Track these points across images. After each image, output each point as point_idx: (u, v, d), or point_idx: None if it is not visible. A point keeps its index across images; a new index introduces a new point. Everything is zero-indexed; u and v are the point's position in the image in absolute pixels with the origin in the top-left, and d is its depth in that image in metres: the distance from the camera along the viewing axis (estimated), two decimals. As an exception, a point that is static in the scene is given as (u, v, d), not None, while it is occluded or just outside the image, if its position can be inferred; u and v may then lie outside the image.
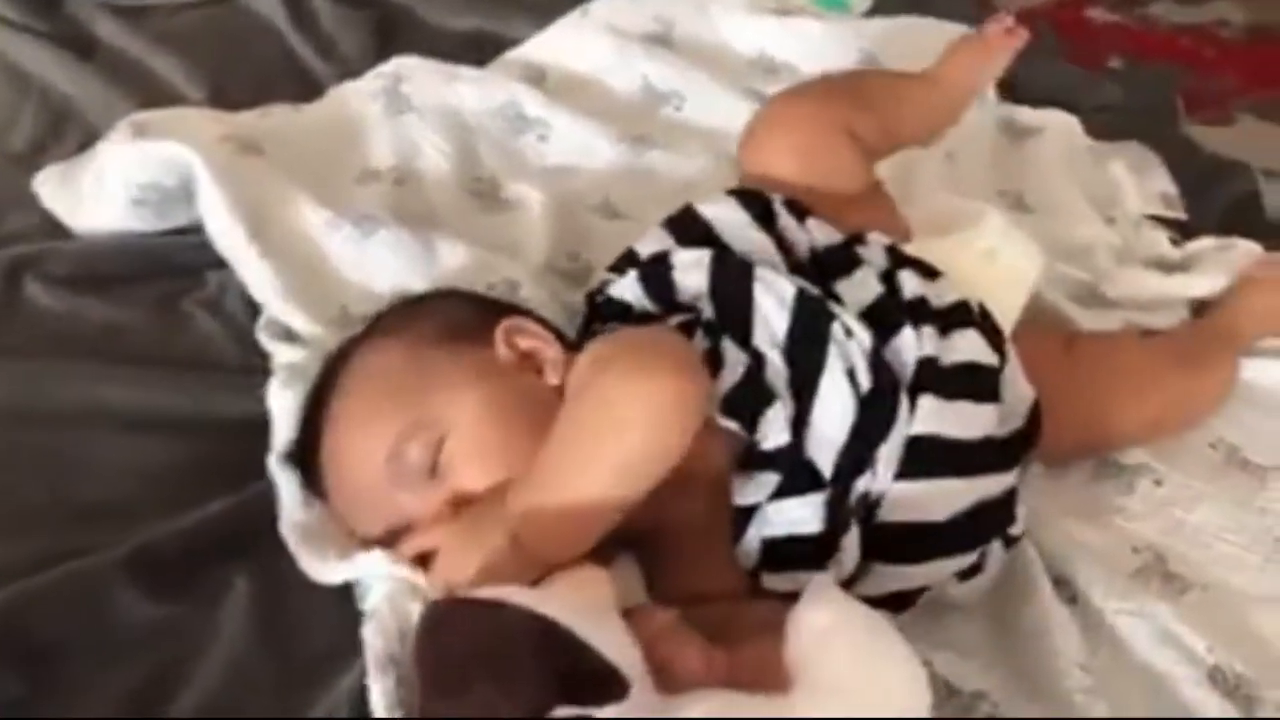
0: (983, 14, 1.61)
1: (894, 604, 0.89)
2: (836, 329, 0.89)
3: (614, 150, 1.32)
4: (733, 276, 0.92)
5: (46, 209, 1.17)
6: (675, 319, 0.93)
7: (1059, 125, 1.41)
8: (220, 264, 1.13)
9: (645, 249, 0.99)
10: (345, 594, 0.88)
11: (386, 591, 0.85)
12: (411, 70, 1.34)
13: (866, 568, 0.89)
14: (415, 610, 0.82)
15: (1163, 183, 1.37)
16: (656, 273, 0.95)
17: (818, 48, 1.44)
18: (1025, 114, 1.43)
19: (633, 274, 0.96)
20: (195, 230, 1.15)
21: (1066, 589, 0.97)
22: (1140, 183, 1.35)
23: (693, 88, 1.40)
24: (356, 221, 1.14)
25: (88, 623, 0.84)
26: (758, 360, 0.88)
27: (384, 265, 1.11)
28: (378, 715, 0.78)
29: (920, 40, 1.43)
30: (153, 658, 0.83)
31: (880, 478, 0.88)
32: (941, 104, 1.16)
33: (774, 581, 0.87)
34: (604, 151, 1.32)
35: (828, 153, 1.05)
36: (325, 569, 0.89)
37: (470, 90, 1.34)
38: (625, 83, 1.41)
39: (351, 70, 1.39)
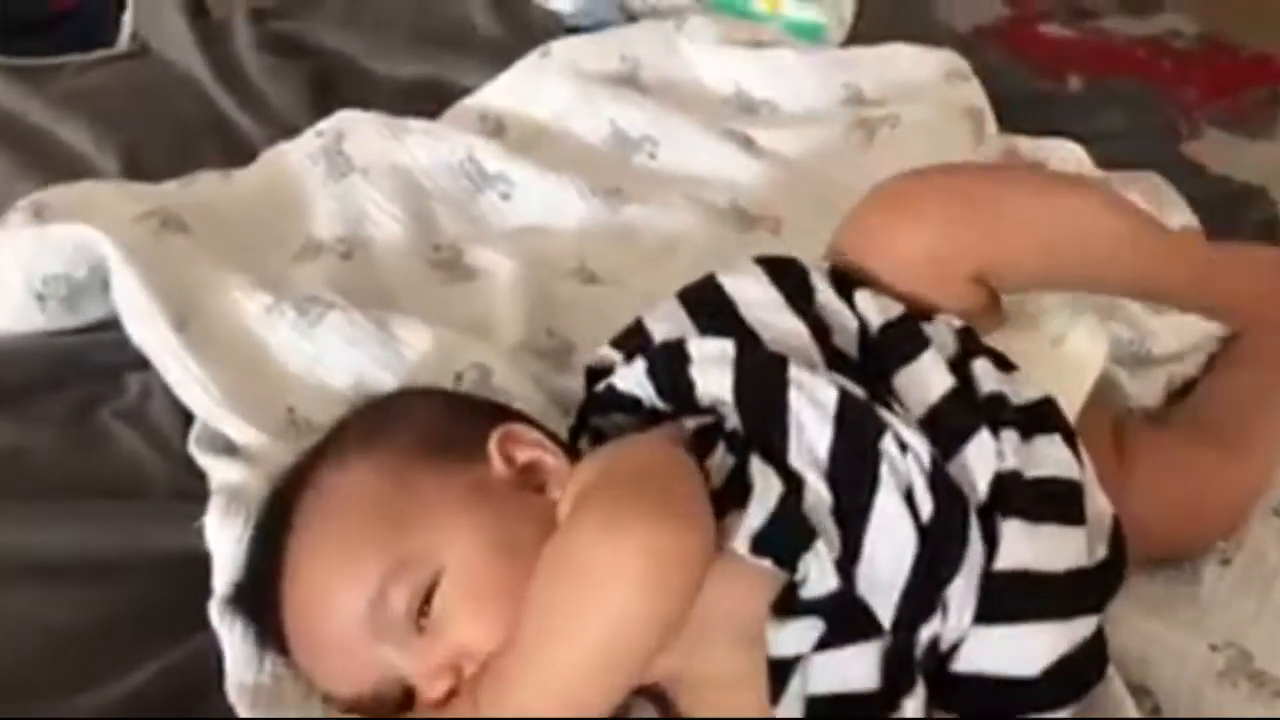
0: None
1: None
2: (889, 443, 0.73)
3: (586, 206, 1.16)
4: (763, 378, 0.75)
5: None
6: (691, 422, 0.77)
7: (1065, 156, 1.27)
8: (142, 363, 0.96)
9: (658, 329, 0.83)
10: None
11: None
12: (354, 125, 1.17)
13: None
14: None
15: (1183, 215, 1.24)
16: (669, 365, 0.78)
17: (797, 82, 1.30)
18: (1027, 145, 1.29)
19: (640, 364, 0.79)
20: (114, 325, 0.98)
21: (1147, 700, 0.83)
22: (1159, 216, 1.22)
23: (666, 131, 1.25)
24: (301, 306, 0.97)
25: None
26: (795, 485, 0.71)
27: (336, 356, 0.94)
28: None
29: (903, 70, 1.31)
30: None
31: (953, 622, 0.72)
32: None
33: None
34: (575, 208, 1.16)
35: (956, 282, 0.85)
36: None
37: (421, 146, 1.18)
38: (592, 129, 1.26)
39: (286, 128, 1.22)
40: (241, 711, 0.74)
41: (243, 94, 1.27)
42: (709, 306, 0.83)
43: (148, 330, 0.94)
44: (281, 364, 0.95)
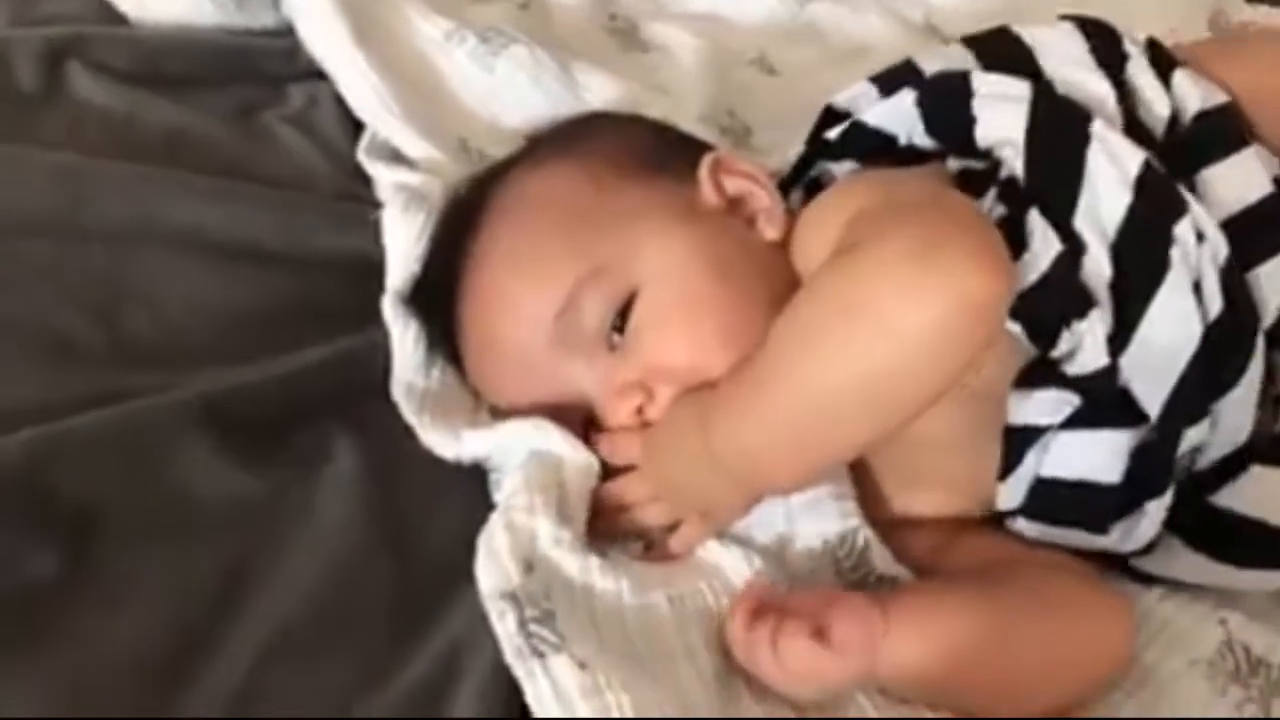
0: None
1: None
2: (1185, 229, 0.64)
3: (772, 0, 1.09)
4: (1062, 125, 0.66)
5: (97, -8, 0.93)
6: (956, 164, 0.69)
7: None
8: (308, 77, 0.90)
9: (931, 65, 0.73)
10: (477, 475, 0.66)
11: (514, 493, 0.62)
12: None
13: (1167, 546, 0.65)
14: (542, 525, 0.61)
15: None
16: (948, 97, 0.69)
17: None
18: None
19: (909, 95, 0.71)
20: (279, 34, 0.92)
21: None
22: None
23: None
24: (483, 34, 0.90)
25: (143, 486, 0.60)
26: (1075, 248, 0.63)
27: (516, 90, 0.88)
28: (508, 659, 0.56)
29: None
30: (226, 540, 0.60)
31: (1223, 438, 0.64)
32: None
33: (1033, 531, 0.64)
34: (759, 1, 1.09)
35: None
36: (454, 443, 0.66)
37: (610, -87, 1.10)
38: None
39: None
40: (406, 414, 0.68)
41: None
42: (1000, 50, 0.73)
43: (326, 37, 0.88)
44: (455, 92, 0.89)
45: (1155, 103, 0.71)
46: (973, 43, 0.76)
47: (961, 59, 0.74)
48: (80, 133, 0.81)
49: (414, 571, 0.62)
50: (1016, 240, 0.63)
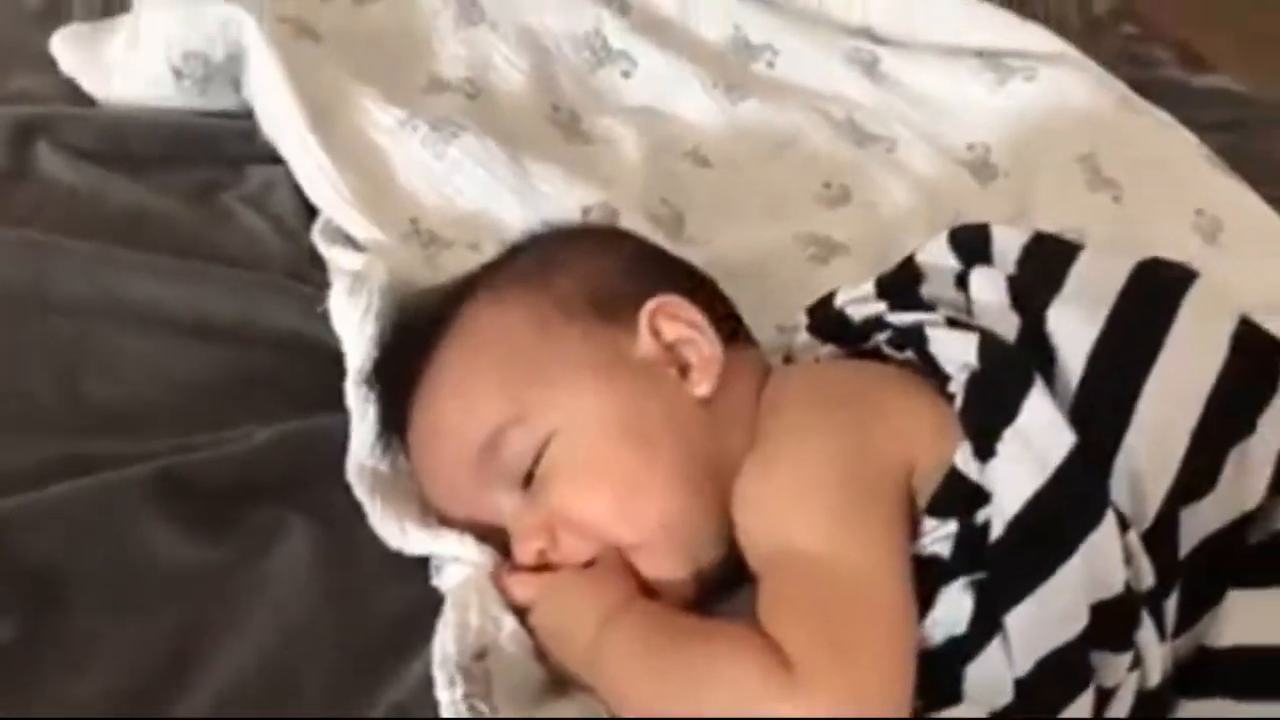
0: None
1: None
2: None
3: (706, 96, 1.14)
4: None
5: (65, 74, 0.97)
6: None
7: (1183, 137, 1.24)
8: (265, 158, 0.93)
9: (931, 258, 0.74)
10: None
11: (466, 586, 0.66)
12: (488, -23, 1.15)
13: None
14: (499, 617, 0.65)
15: None
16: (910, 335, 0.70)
17: (934, 22, 1.27)
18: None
19: (882, 308, 0.73)
20: (238, 116, 0.96)
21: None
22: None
23: (788, 45, 1.22)
24: (434, 123, 0.95)
25: (106, 554, 0.63)
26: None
27: (466, 176, 0.93)
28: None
29: (1038, 40, 1.28)
30: (185, 607, 0.63)
31: None
32: None
33: None
34: (694, 96, 1.14)
35: None
36: (400, 535, 0.69)
37: (552, 10, 1.15)
38: (715, 28, 1.23)
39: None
40: (359, 493, 0.71)
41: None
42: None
43: (284, 121, 0.92)
44: (408, 178, 0.93)
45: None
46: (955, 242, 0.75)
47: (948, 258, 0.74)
48: (46, 209, 0.84)
49: (362, 639, 0.65)
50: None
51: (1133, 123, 1.19)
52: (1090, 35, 2.44)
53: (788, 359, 0.80)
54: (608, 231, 0.85)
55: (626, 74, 1.16)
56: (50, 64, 0.98)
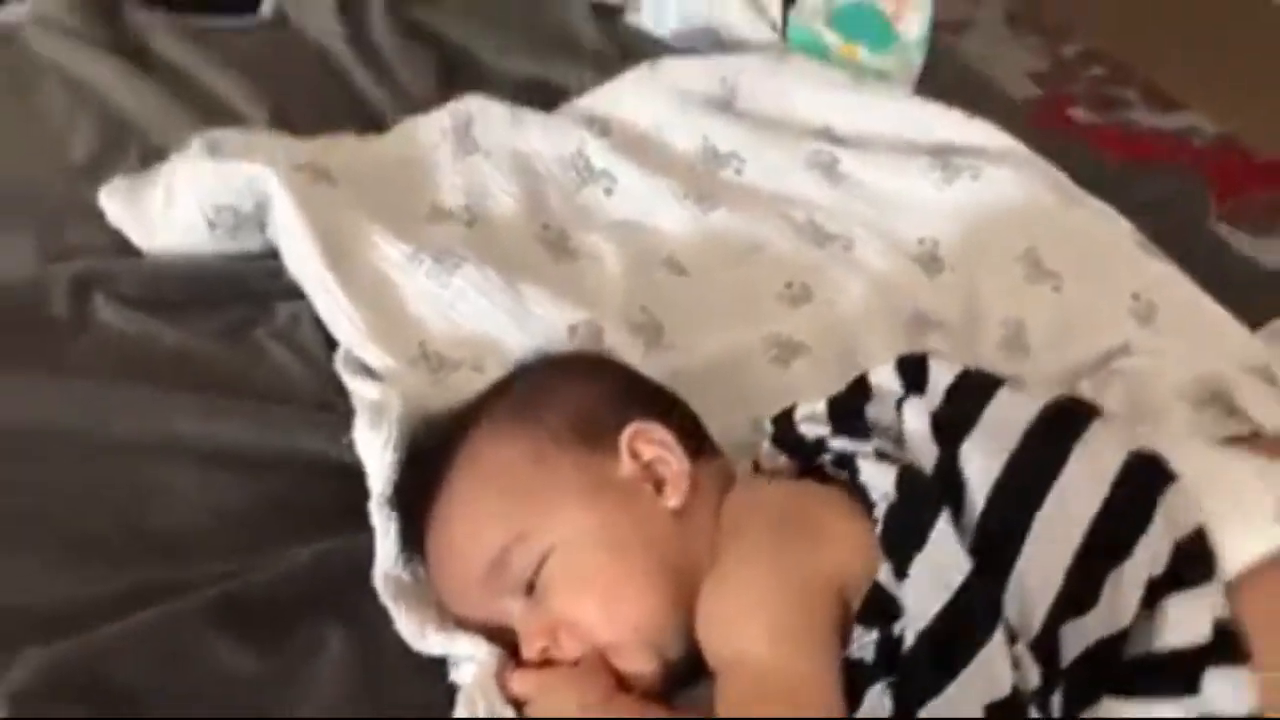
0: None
1: None
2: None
3: (680, 207, 1.26)
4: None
5: (111, 224, 1.09)
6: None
7: (1116, 225, 1.33)
8: (290, 294, 1.06)
9: (881, 380, 0.86)
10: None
11: (474, 683, 0.78)
12: (483, 110, 1.27)
13: None
14: (501, 711, 0.76)
15: None
16: (846, 461, 0.82)
17: (886, 123, 1.39)
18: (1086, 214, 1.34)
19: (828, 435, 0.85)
20: (265, 257, 1.08)
21: None
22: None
23: (753, 152, 1.34)
24: (438, 256, 1.07)
25: (178, 673, 0.75)
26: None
27: (467, 303, 1.04)
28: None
29: (983, 135, 1.40)
30: (246, 712, 0.75)
31: None
32: None
33: None
34: (669, 208, 1.26)
35: None
36: (421, 638, 0.81)
37: (539, 136, 1.28)
38: (686, 141, 1.35)
39: (413, 102, 1.33)
40: (385, 600, 0.83)
41: (377, 70, 1.37)
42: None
43: (305, 263, 1.04)
44: (416, 305, 1.05)
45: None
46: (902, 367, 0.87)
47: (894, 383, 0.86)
48: (103, 356, 0.97)
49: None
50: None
51: (1071, 215, 1.31)
52: (1059, 77, 2.56)
53: (756, 465, 0.92)
54: (590, 361, 0.97)
55: (609, 191, 1.28)
56: (99, 215, 1.10)
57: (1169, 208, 1.45)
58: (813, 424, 0.87)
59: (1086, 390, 1.12)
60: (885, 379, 0.87)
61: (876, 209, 1.31)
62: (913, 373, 0.86)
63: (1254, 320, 1.29)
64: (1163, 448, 0.82)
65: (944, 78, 1.60)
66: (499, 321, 1.04)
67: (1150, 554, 0.73)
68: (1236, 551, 0.77)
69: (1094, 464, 0.77)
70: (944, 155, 1.36)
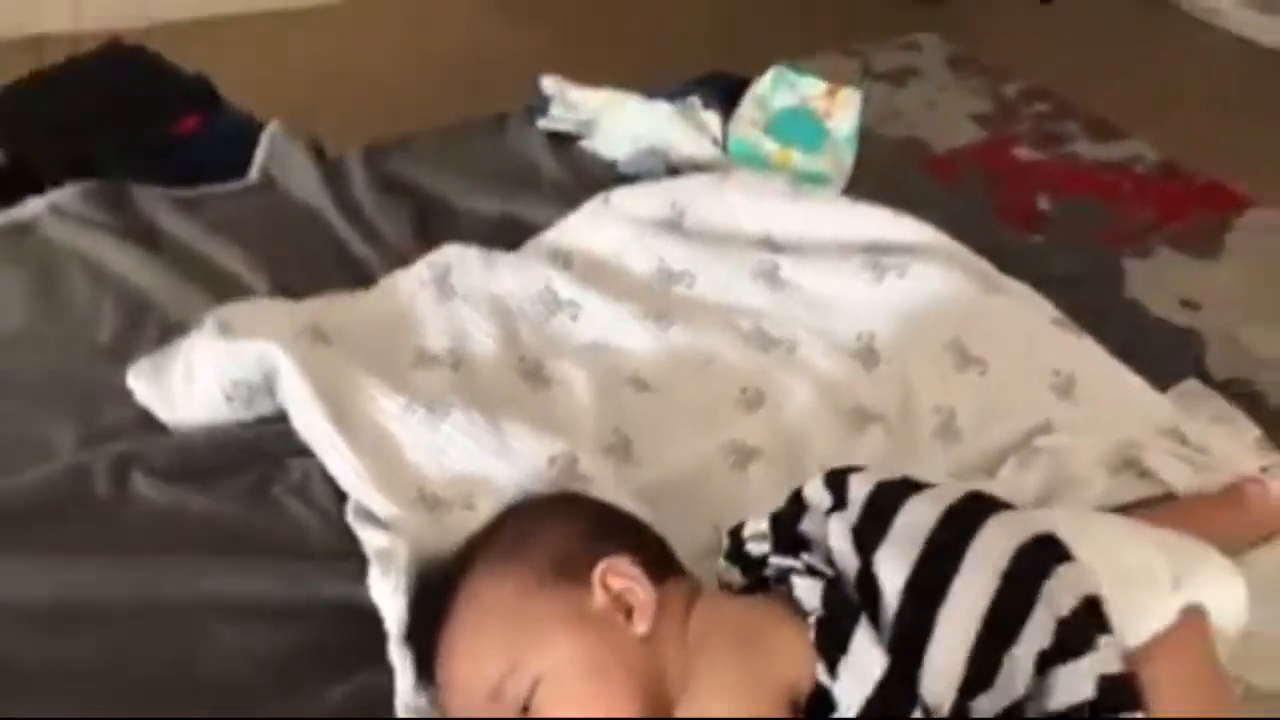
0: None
1: None
2: None
3: (640, 327, 1.40)
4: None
5: (139, 402, 1.24)
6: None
7: (1034, 304, 1.47)
8: (301, 452, 1.20)
9: (811, 494, 1.01)
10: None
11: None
12: (459, 258, 1.42)
13: None
14: None
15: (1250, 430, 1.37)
16: (783, 577, 0.97)
17: (822, 228, 1.54)
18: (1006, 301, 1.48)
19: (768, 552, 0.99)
20: (276, 420, 1.23)
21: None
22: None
23: (702, 268, 1.49)
24: (430, 406, 1.21)
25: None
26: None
27: (458, 447, 1.18)
28: None
29: (909, 232, 1.55)
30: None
31: None
32: None
33: None
34: (631, 329, 1.40)
35: None
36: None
37: (510, 276, 1.43)
38: (642, 264, 1.50)
39: (395, 254, 1.47)
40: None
41: (360, 226, 1.52)
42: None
43: (312, 425, 1.18)
44: (413, 452, 1.18)
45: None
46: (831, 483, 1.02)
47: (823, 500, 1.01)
48: (144, 529, 1.11)
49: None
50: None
51: (992, 303, 1.45)
52: (1002, 118, 2.69)
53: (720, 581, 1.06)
54: (567, 501, 1.11)
55: (574, 317, 1.42)
56: (128, 395, 1.25)
57: (1083, 282, 1.60)
58: (757, 541, 1.02)
59: (1012, 468, 1.27)
60: (815, 493, 1.02)
61: (816, 310, 1.46)
62: (837, 487, 1.00)
63: (1167, 380, 1.45)
64: (1070, 528, 0.97)
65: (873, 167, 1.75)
66: (486, 461, 1.18)
67: (1038, 632, 0.88)
68: (1141, 621, 0.93)
69: (986, 559, 0.91)
70: (875, 254, 1.50)
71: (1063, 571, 0.91)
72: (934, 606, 0.89)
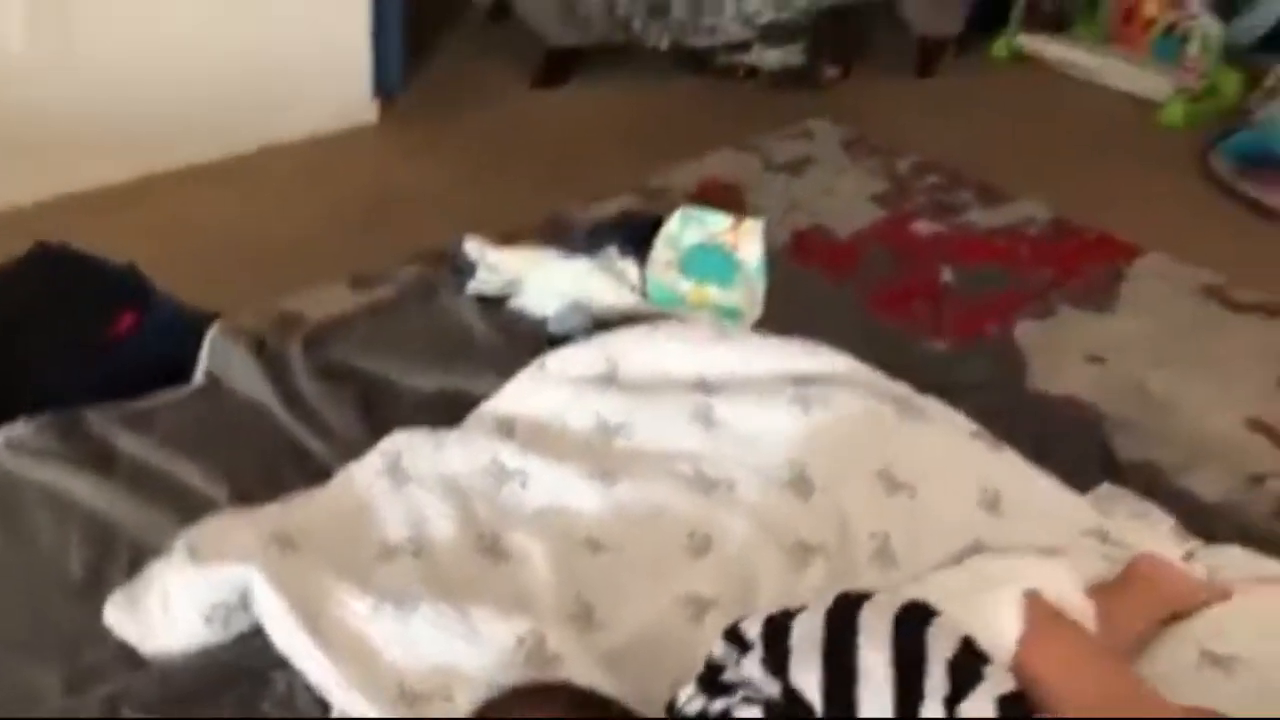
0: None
1: None
2: None
3: (587, 486, 1.47)
4: None
5: (117, 637, 1.28)
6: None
7: (948, 416, 1.58)
8: (282, 664, 1.24)
9: (718, 654, 1.12)
10: None
11: None
12: (408, 443, 1.49)
13: None
14: None
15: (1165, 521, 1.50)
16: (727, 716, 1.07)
17: (749, 366, 1.62)
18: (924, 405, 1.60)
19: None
20: (254, 634, 1.28)
21: None
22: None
23: (639, 417, 1.57)
24: (397, 602, 1.27)
25: None
26: None
27: (428, 639, 1.24)
28: None
29: (826, 360, 1.65)
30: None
31: None
32: None
33: None
34: (578, 490, 1.47)
35: None
36: None
37: (457, 455, 1.49)
38: (581, 421, 1.57)
39: (344, 444, 1.53)
40: None
41: (307, 419, 1.57)
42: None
43: (289, 638, 1.23)
44: (388, 650, 1.24)
45: None
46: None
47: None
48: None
49: None
50: None
51: (912, 428, 1.54)
52: (899, 194, 2.80)
53: None
54: (541, 692, 1.16)
55: (523, 484, 1.49)
56: (104, 631, 1.28)
57: (988, 385, 1.71)
58: (692, 701, 1.11)
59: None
60: (721, 651, 1.13)
61: (749, 446, 1.53)
62: (736, 637, 1.12)
63: (1081, 473, 1.55)
64: (917, 591, 1.16)
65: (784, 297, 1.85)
66: (457, 648, 1.24)
67: (938, 683, 1.03)
68: (1004, 632, 1.13)
69: (873, 638, 1.05)
70: (801, 386, 1.59)
71: (937, 621, 1.07)
72: (850, 689, 1.03)
